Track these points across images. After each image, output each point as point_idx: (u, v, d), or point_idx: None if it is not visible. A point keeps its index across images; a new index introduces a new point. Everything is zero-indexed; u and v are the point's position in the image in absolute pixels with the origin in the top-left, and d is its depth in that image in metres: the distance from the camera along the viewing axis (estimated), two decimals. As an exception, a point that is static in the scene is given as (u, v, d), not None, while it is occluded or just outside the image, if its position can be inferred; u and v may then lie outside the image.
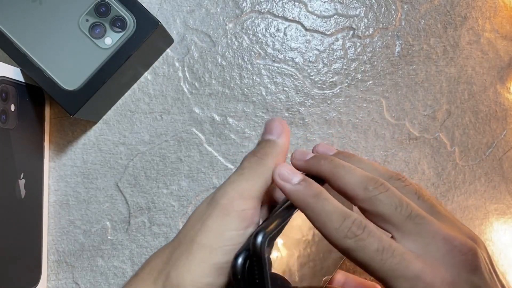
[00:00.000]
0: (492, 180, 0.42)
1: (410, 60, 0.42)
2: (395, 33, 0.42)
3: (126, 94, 0.42)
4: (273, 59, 0.42)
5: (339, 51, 0.42)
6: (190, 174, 0.42)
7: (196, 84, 0.42)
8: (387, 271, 0.24)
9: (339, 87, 0.42)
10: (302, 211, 0.27)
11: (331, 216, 0.26)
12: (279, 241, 0.28)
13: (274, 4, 0.42)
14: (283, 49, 0.42)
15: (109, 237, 0.41)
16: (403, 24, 0.42)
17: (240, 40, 0.42)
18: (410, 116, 0.42)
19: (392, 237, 0.26)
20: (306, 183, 0.28)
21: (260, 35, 0.42)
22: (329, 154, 0.30)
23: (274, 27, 0.42)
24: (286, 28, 0.42)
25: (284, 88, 0.42)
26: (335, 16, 0.42)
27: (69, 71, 0.37)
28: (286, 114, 0.42)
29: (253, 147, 0.42)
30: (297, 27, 0.42)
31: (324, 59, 0.42)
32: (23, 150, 0.38)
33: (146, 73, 0.42)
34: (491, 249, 0.41)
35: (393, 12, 0.42)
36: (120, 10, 0.37)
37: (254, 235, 0.25)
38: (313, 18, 0.43)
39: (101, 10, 0.37)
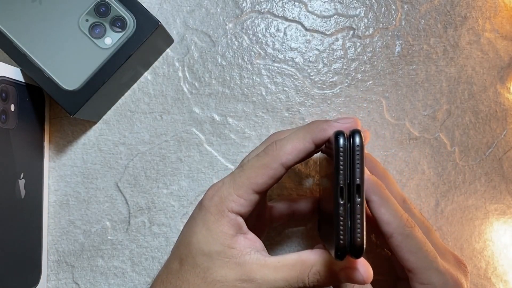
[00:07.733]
0: (492, 180, 0.42)
1: (410, 60, 0.42)
2: (395, 33, 0.42)
3: (126, 94, 0.42)
4: (273, 59, 0.42)
5: (339, 51, 0.42)
6: (190, 174, 0.42)
7: (196, 84, 0.42)
8: (427, 261, 0.30)
9: (339, 87, 0.42)
10: (371, 195, 0.31)
11: (397, 206, 0.31)
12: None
13: (274, 4, 0.42)
14: (283, 49, 0.42)
15: (109, 237, 0.41)
16: (403, 24, 0.42)
17: (240, 40, 0.42)
18: (410, 116, 0.42)
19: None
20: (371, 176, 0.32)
21: (260, 35, 0.42)
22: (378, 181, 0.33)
23: (274, 27, 0.42)
24: (286, 28, 0.42)
25: (284, 88, 0.42)
26: (335, 16, 0.42)
27: (69, 71, 0.37)
28: (286, 114, 0.42)
29: (253, 147, 0.42)
30: (297, 27, 0.42)
31: (324, 59, 0.42)
32: (23, 150, 0.38)
33: (146, 73, 0.42)
34: (491, 249, 0.41)
35: (393, 12, 0.42)
36: (120, 10, 0.37)
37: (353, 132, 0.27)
38: (313, 18, 0.43)
39: (101, 10, 0.37)
